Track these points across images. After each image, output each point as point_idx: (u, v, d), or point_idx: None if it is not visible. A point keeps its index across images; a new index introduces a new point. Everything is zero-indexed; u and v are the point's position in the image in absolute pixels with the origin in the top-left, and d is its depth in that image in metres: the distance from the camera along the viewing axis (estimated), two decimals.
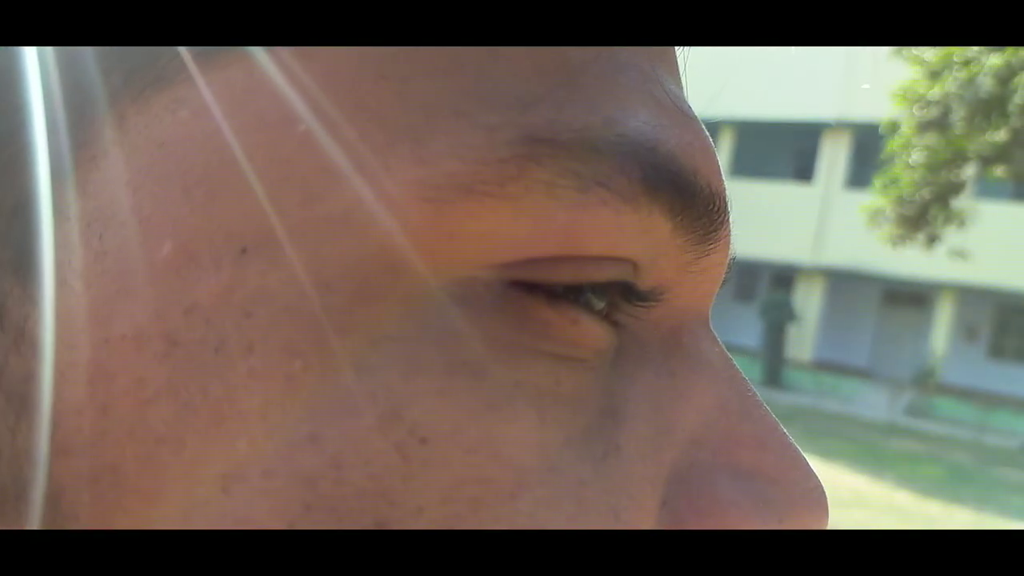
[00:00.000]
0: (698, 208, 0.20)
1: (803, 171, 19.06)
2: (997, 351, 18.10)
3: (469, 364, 0.17)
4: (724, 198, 0.21)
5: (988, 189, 15.77)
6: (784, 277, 19.23)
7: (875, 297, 18.99)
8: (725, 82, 18.49)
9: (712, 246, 0.21)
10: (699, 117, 0.22)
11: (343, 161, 0.17)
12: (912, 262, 15.13)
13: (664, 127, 0.19)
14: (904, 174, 10.21)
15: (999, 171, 9.63)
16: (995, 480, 9.76)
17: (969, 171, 10.34)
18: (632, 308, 0.20)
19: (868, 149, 15.66)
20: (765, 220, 18.21)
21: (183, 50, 0.18)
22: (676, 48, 0.23)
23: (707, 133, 0.21)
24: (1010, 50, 8.77)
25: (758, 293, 19.89)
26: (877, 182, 10.82)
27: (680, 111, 0.20)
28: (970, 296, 17.11)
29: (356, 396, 0.17)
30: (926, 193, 10.11)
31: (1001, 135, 9.21)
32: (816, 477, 0.22)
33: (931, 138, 9.72)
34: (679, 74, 0.23)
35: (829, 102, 17.48)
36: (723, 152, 19.19)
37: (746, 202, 18.53)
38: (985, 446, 12.67)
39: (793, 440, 0.22)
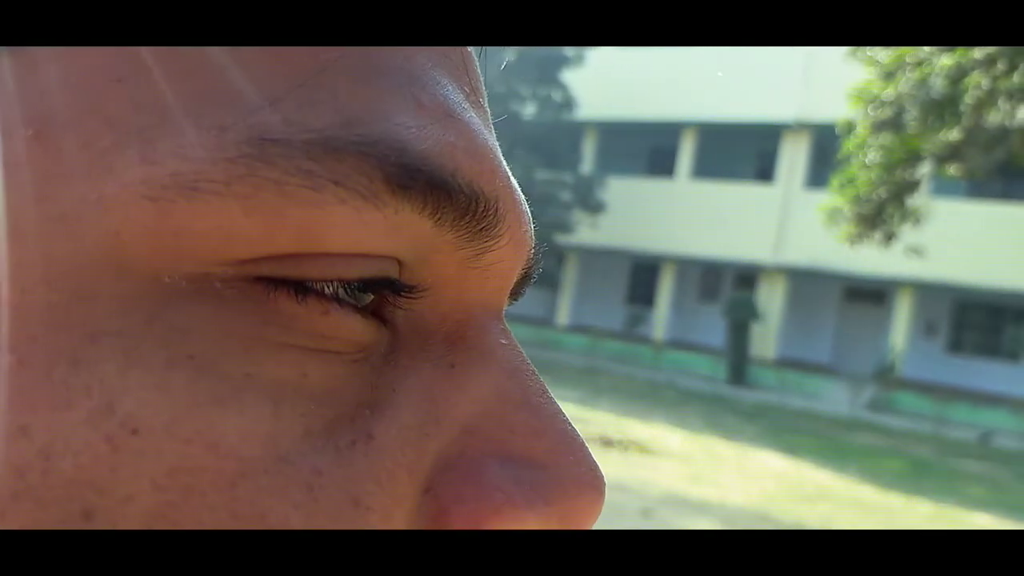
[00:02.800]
0: (459, 207, 0.21)
1: (764, 172, 19.31)
2: (955, 346, 18.45)
3: (195, 358, 0.18)
4: (495, 197, 0.22)
5: (944, 187, 16.08)
6: (747, 276, 19.46)
7: (836, 295, 19.27)
8: (688, 85, 18.70)
9: (489, 243, 0.22)
10: (479, 121, 0.23)
11: (70, 163, 0.18)
12: (872, 260, 15.40)
13: (421, 128, 0.20)
14: (860, 174, 10.41)
15: (953, 169, 9.85)
16: (954, 471, 9.96)
17: (923, 170, 10.56)
18: (405, 302, 0.22)
19: (827, 150, 15.90)
20: (727, 221, 18.42)
21: None
22: (472, 53, 0.24)
23: (480, 135, 0.22)
24: (960, 51, 8.98)
25: (722, 293, 20.10)
26: (834, 182, 11.02)
27: (447, 113, 0.21)
28: (928, 292, 17.43)
29: (70, 390, 0.17)
30: (882, 192, 10.32)
31: (954, 134, 9.42)
32: (591, 462, 0.23)
33: (886, 138, 9.92)
34: (469, 76, 0.23)
35: (788, 104, 17.72)
36: (685, 154, 19.40)
37: (708, 203, 18.75)
38: (945, 439, 12.92)
39: (574, 429, 0.23)
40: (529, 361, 0.24)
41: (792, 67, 17.60)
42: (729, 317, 17.48)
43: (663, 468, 7.57)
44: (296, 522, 0.18)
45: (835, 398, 16.16)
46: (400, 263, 0.21)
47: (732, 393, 15.51)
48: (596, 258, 21.22)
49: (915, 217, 10.73)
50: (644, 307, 20.78)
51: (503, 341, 0.23)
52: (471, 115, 0.22)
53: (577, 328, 20.56)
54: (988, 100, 8.94)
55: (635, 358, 18.70)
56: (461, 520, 0.20)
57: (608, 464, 7.36)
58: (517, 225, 0.23)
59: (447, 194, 0.20)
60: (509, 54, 17.90)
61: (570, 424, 0.23)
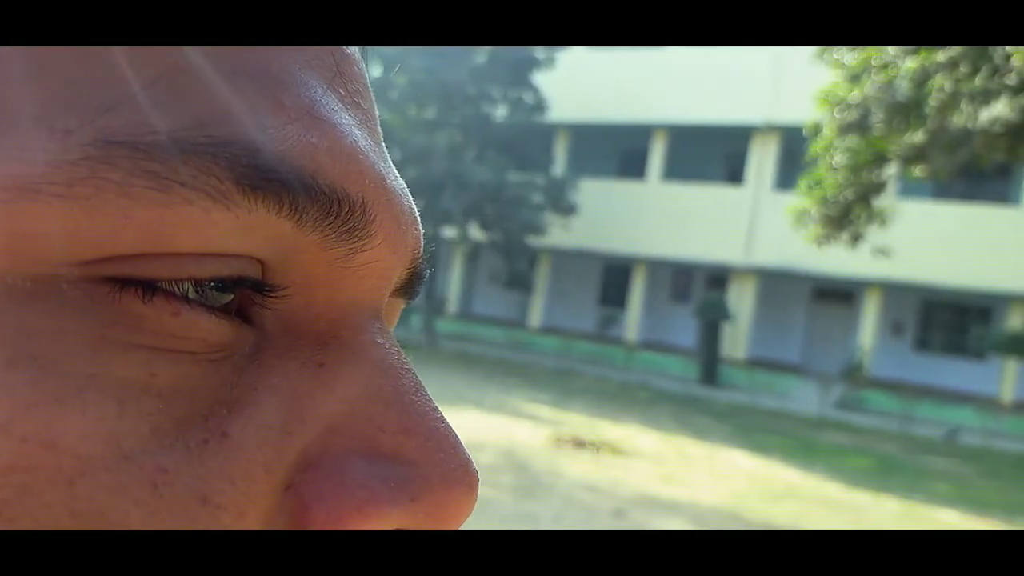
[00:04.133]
0: (320, 208, 0.21)
1: (734, 174, 19.48)
2: (922, 344, 18.71)
3: (38, 358, 0.18)
4: (362, 198, 0.22)
5: (911, 188, 16.31)
6: (717, 277, 19.61)
7: (805, 295, 19.47)
8: (659, 87, 18.81)
9: (360, 243, 0.22)
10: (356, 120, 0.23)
11: None
12: (840, 260, 15.57)
13: (280, 129, 0.20)
14: (827, 175, 10.53)
15: (918, 171, 9.98)
16: (921, 469, 10.10)
17: (889, 171, 10.70)
18: (270, 302, 0.22)
19: (796, 152, 16.08)
20: (698, 222, 18.55)
21: None
22: (353, 54, 0.25)
23: (348, 137, 0.22)
24: (924, 53, 9.12)
25: (693, 294, 20.24)
26: (802, 184, 11.13)
27: (311, 114, 0.21)
28: (895, 292, 17.65)
29: None
30: (849, 193, 10.43)
31: (918, 136, 9.56)
32: (463, 458, 0.23)
33: (852, 140, 10.03)
34: (344, 78, 0.24)
35: (757, 106, 17.88)
36: (656, 156, 19.51)
37: (679, 205, 18.87)
38: (911, 436, 13.10)
39: (448, 426, 0.23)
40: (406, 360, 0.24)
41: (761, 69, 17.76)
42: (700, 318, 17.60)
43: (635, 468, 7.62)
44: (137, 519, 0.18)
45: (804, 397, 16.32)
46: (263, 263, 0.21)
47: (703, 393, 15.62)
48: (568, 260, 21.28)
49: (881, 218, 10.87)
50: (616, 308, 20.88)
51: (379, 340, 0.23)
52: (341, 117, 0.22)
53: (549, 330, 20.60)
54: (951, 102, 9.07)
55: (607, 359, 18.78)
56: (321, 517, 0.21)
57: (580, 465, 7.40)
58: (393, 226, 0.23)
59: (306, 195, 0.20)
60: (480, 56, 17.94)
61: (443, 421, 0.23)
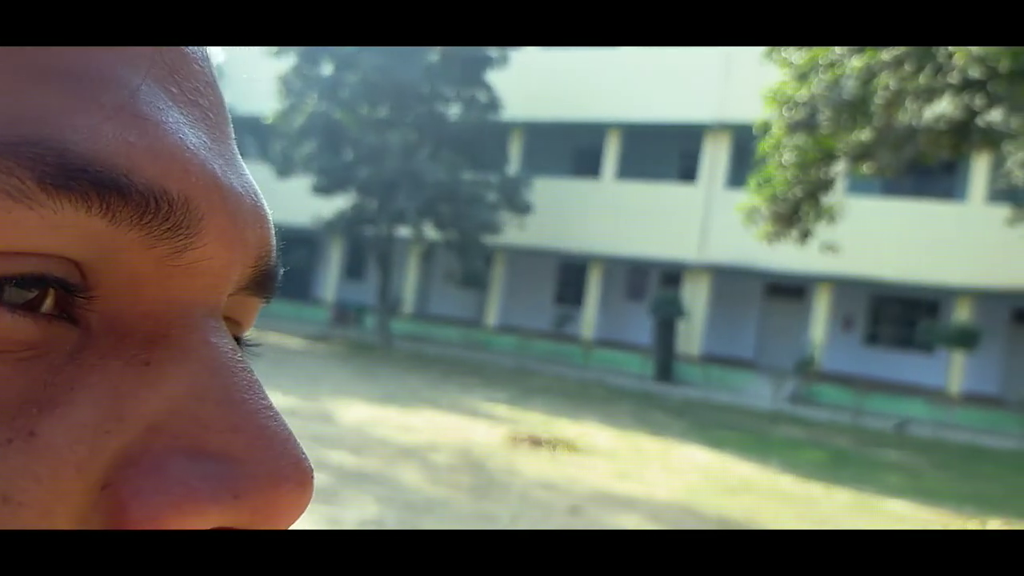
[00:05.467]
0: (136, 207, 0.21)
1: (687, 172, 19.66)
2: (872, 339, 19.05)
3: None
4: (185, 196, 0.22)
5: (860, 185, 16.58)
6: (672, 275, 19.77)
7: (757, 292, 19.71)
8: (612, 86, 18.91)
9: (186, 241, 0.22)
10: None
11: None
12: (791, 257, 15.79)
13: (93, 128, 0.20)
14: (776, 173, 10.67)
15: (865, 168, 10.15)
16: (872, 460, 10.29)
17: (837, 169, 10.87)
18: (95, 302, 0.21)
19: (748, 150, 16.27)
20: (652, 220, 18.69)
21: None
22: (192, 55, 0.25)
23: (173, 135, 0.22)
24: (870, 52, 9.27)
25: (648, 291, 20.39)
26: (752, 181, 11.27)
27: (131, 113, 0.21)
28: (846, 287, 17.95)
29: None
30: (797, 191, 10.58)
31: (865, 134, 9.72)
32: (294, 456, 0.22)
33: (800, 138, 10.18)
34: (177, 76, 0.23)
35: (709, 105, 18.06)
36: (610, 155, 19.61)
37: (634, 203, 19.00)
38: (863, 429, 13.33)
39: (280, 423, 0.23)
40: (241, 359, 0.23)
41: (712, 68, 17.93)
42: (655, 315, 17.74)
43: (591, 465, 7.65)
44: None
45: (758, 392, 16.53)
46: (79, 263, 0.21)
47: (659, 390, 15.74)
48: (524, 258, 21.31)
49: (830, 215, 11.04)
50: (572, 307, 20.96)
51: (212, 339, 0.23)
52: (168, 115, 0.22)
53: (506, 329, 20.61)
54: (897, 101, 9.24)
55: (564, 357, 18.84)
56: (138, 515, 0.20)
57: (537, 463, 7.41)
58: (227, 223, 0.23)
59: (119, 194, 0.20)
60: (433, 54, 17.88)
61: (275, 420, 0.23)
